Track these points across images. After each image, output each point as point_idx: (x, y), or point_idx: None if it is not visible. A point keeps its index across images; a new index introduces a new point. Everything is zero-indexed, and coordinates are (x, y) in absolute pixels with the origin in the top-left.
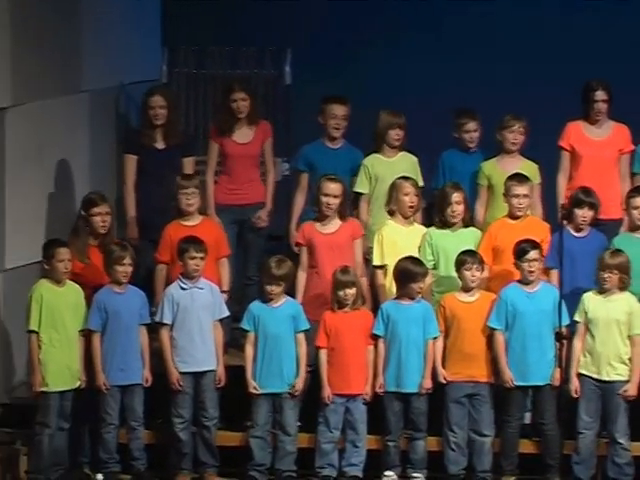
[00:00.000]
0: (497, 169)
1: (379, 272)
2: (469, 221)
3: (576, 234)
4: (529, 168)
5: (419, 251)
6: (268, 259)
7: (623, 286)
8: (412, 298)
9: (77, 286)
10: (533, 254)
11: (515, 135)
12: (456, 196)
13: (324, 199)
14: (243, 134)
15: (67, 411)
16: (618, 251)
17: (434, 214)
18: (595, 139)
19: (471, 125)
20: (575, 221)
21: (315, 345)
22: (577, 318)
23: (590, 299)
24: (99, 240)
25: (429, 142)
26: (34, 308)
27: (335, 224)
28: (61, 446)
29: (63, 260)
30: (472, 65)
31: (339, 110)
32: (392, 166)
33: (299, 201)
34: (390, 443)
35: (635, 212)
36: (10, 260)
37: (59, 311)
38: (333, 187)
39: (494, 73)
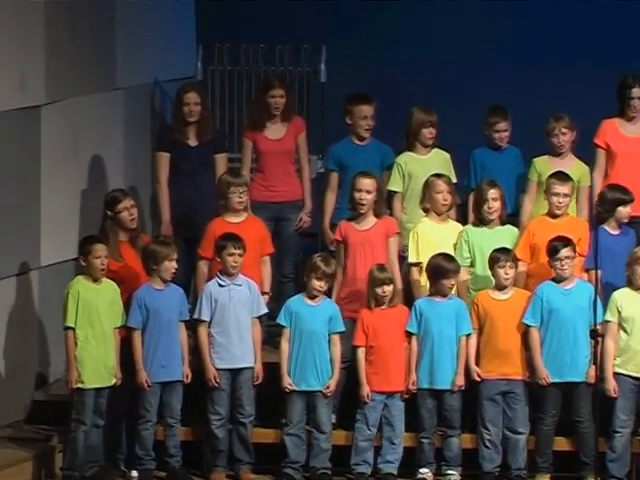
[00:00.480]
0: (548, 166)
1: (414, 269)
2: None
3: (613, 232)
4: (580, 169)
5: (454, 248)
6: (314, 256)
7: None
8: (444, 295)
9: (113, 283)
10: (565, 252)
11: (559, 138)
12: (492, 193)
13: (357, 194)
14: (276, 130)
15: (102, 408)
16: None
17: (468, 211)
18: (631, 136)
19: (502, 125)
20: (617, 218)
21: (353, 344)
22: (609, 317)
23: (623, 296)
24: (129, 235)
25: (461, 139)
26: (71, 305)
27: (370, 221)
28: (96, 443)
29: (100, 256)
30: (503, 63)
31: (367, 110)
32: (425, 164)
33: (330, 200)
34: (424, 440)
35: None
36: (45, 257)
37: (95, 308)
38: (366, 182)
39: (526, 72)
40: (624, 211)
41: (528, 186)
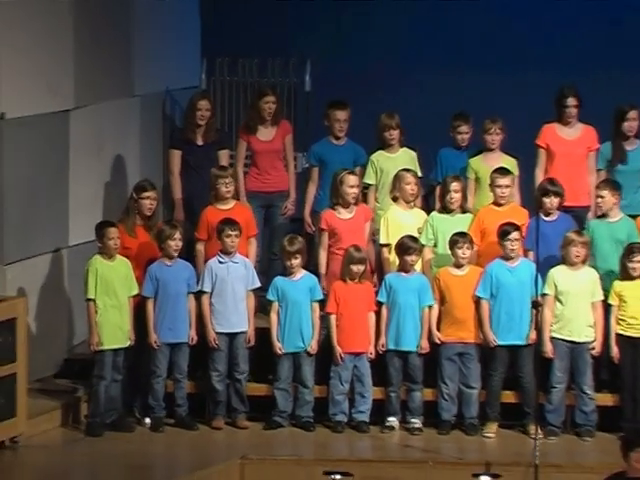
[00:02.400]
0: (482, 164)
1: (385, 249)
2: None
3: (547, 218)
4: (509, 163)
5: (418, 231)
6: (283, 240)
7: (586, 260)
8: (408, 270)
9: (126, 259)
10: (514, 235)
11: (493, 136)
12: (455, 185)
13: (350, 190)
14: (266, 133)
15: (120, 365)
16: (581, 231)
17: (434, 201)
18: (567, 138)
19: (464, 127)
20: (544, 207)
21: (325, 311)
22: (547, 290)
23: (558, 273)
24: (144, 221)
25: (428, 139)
26: (90, 279)
27: (352, 209)
28: (115, 395)
29: (113, 238)
30: (467, 75)
31: (341, 115)
32: (395, 160)
33: (311, 191)
34: (392, 394)
35: (600, 202)
36: (73, 238)
37: (111, 281)
38: (354, 179)
39: (484, 82)
40: (546, 201)
41: (467, 183)
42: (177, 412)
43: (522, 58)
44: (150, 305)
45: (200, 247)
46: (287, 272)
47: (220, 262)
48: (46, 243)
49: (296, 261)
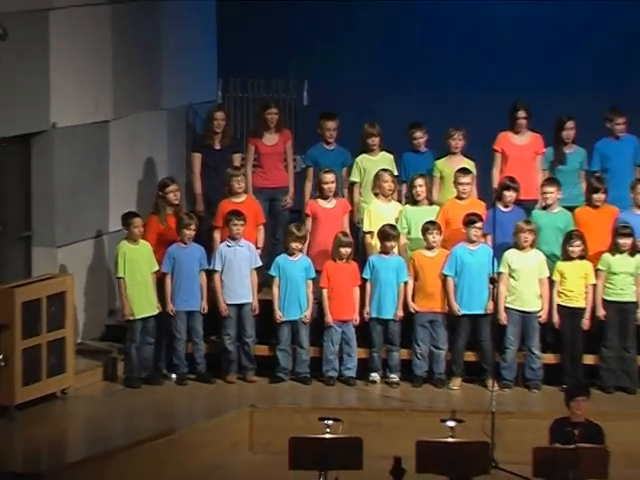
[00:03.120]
0: (447, 165)
1: (368, 235)
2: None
3: (504, 209)
4: (468, 164)
5: (396, 221)
6: (290, 226)
7: (534, 244)
8: (387, 253)
9: (147, 243)
10: (479, 224)
11: (456, 142)
12: (419, 182)
13: (325, 186)
14: (270, 138)
15: (149, 331)
16: (529, 220)
17: (405, 196)
18: (518, 144)
19: (418, 134)
20: (504, 200)
21: (319, 286)
22: (501, 269)
23: (511, 255)
24: (173, 209)
25: (405, 145)
26: (120, 261)
27: (332, 202)
28: (148, 355)
29: (137, 226)
30: (436, 92)
31: (331, 124)
32: (375, 162)
33: (308, 187)
34: (374, 354)
35: (546, 196)
36: (112, 225)
37: (136, 261)
38: (329, 177)
39: (447, 98)
40: (507, 194)
41: (434, 181)
42: (197, 369)
43: (481, 78)
44: (168, 280)
45: (217, 233)
46: (288, 253)
47: (228, 246)
48: (89, 230)
49: (300, 245)
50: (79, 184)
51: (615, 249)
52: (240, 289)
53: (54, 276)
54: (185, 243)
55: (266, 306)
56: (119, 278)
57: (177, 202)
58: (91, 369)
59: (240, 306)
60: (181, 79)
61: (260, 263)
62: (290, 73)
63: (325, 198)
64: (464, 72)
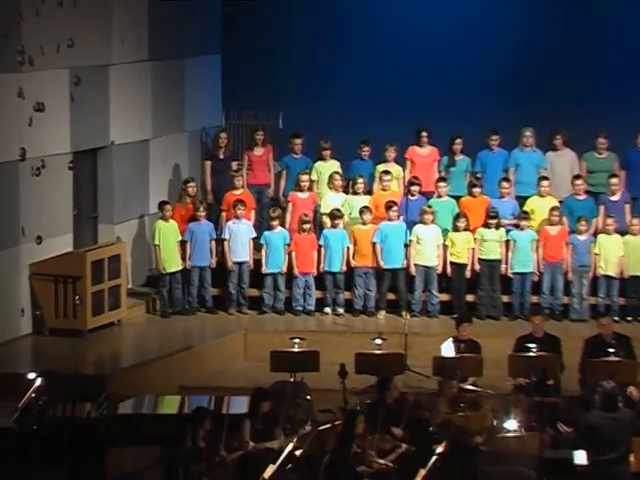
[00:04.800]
0: (381, 169)
1: (324, 216)
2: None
3: (412, 198)
4: (396, 169)
5: (342, 206)
6: (270, 209)
7: (433, 221)
8: (335, 227)
9: (174, 222)
10: (395, 207)
11: (389, 153)
12: (359, 180)
13: (301, 183)
14: (258, 151)
15: (177, 279)
16: (430, 205)
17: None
18: (422, 154)
19: (365, 148)
20: (412, 192)
21: (289, 250)
22: (412, 237)
23: (418, 228)
24: (191, 199)
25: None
26: (156, 234)
27: (306, 194)
28: (179, 296)
29: (167, 210)
30: (372, 120)
31: (298, 141)
32: (328, 167)
33: (282, 183)
34: (327, 294)
35: (439, 189)
36: (151, 210)
37: (167, 234)
38: (304, 177)
39: (382, 121)
40: (414, 189)
41: (375, 179)
42: (206, 304)
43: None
44: (188, 245)
45: (224, 214)
46: (270, 228)
47: (233, 223)
48: (136, 212)
49: (276, 222)
50: (129, 182)
51: (486, 225)
52: (241, 252)
53: (112, 243)
54: (199, 221)
55: (256, 263)
56: (155, 245)
57: (194, 194)
58: (137, 305)
59: (240, 263)
60: (197, 111)
61: (255, 235)
62: (270, 107)
63: (301, 191)
64: (393, 103)
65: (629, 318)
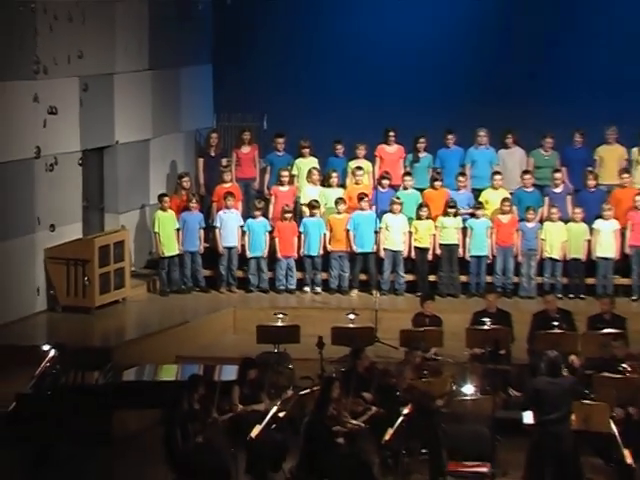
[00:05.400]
0: (353, 165)
1: (303, 206)
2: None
3: (382, 190)
4: (367, 164)
5: (319, 197)
6: (254, 201)
7: (400, 211)
8: (313, 216)
9: (172, 212)
10: (366, 199)
11: (360, 150)
12: (334, 174)
13: (282, 178)
14: (245, 149)
15: (175, 262)
16: (398, 197)
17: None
18: (390, 152)
19: (339, 146)
20: (382, 185)
21: (272, 235)
22: (381, 225)
23: (387, 217)
24: (186, 192)
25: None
26: (155, 222)
27: (287, 187)
28: (176, 277)
29: (166, 202)
30: (345, 120)
31: (280, 140)
32: (307, 163)
33: (266, 178)
34: (306, 275)
35: (405, 183)
36: (151, 201)
37: (165, 222)
38: (285, 172)
39: (353, 122)
40: (383, 182)
41: (349, 173)
42: (199, 284)
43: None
44: (181, 233)
45: (214, 205)
46: (253, 216)
47: (224, 213)
48: (138, 203)
49: (259, 212)
50: (132, 177)
51: (446, 214)
52: (231, 238)
53: (117, 231)
54: (191, 211)
55: (244, 248)
56: (155, 232)
57: (188, 187)
58: (139, 285)
59: (230, 248)
60: (191, 113)
61: (242, 223)
62: (256, 110)
63: (282, 184)
64: (364, 106)
65: (571, 295)
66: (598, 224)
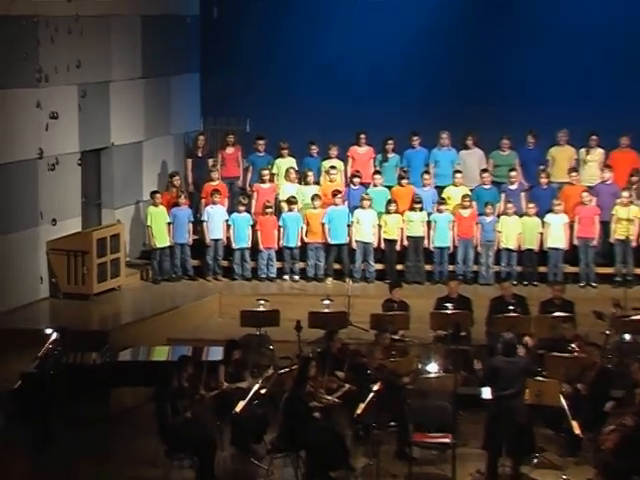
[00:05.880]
0: (327, 164)
1: (282, 202)
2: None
3: (354, 188)
4: (339, 164)
5: (296, 194)
6: (239, 197)
7: (370, 206)
8: (292, 211)
9: (163, 207)
10: (340, 195)
11: (332, 151)
12: (309, 174)
13: (264, 177)
14: (230, 150)
15: (166, 253)
16: (367, 193)
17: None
18: (361, 153)
19: (314, 147)
20: (353, 182)
21: (255, 228)
22: (353, 219)
23: (358, 212)
24: (176, 189)
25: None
26: (148, 217)
27: (268, 185)
28: (168, 267)
29: (157, 198)
30: (319, 124)
31: (261, 142)
32: (286, 163)
33: (248, 176)
34: (286, 264)
35: (375, 180)
36: (144, 197)
37: (157, 217)
38: (265, 172)
39: (324, 128)
40: (355, 180)
41: (323, 172)
42: (188, 273)
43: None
44: (172, 226)
45: (203, 201)
46: (238, 211)
47: (211, 208)
48: (132, 199)
49: (243, 207)
50: (127, 175)
51: (412, 209)
52: (217, 231)
53: (113, 225)
54: (180, 207)
55: (229, 240)
56: (147, 226)
57: (178, 185)
58: (133, 274)
59: (216, 240)
60: (181, 118)
61: (227, 217)
62: (239, 115)
63: (263, 182)
64: (337, 111)
65: (525, 282)
66: (549, 218)
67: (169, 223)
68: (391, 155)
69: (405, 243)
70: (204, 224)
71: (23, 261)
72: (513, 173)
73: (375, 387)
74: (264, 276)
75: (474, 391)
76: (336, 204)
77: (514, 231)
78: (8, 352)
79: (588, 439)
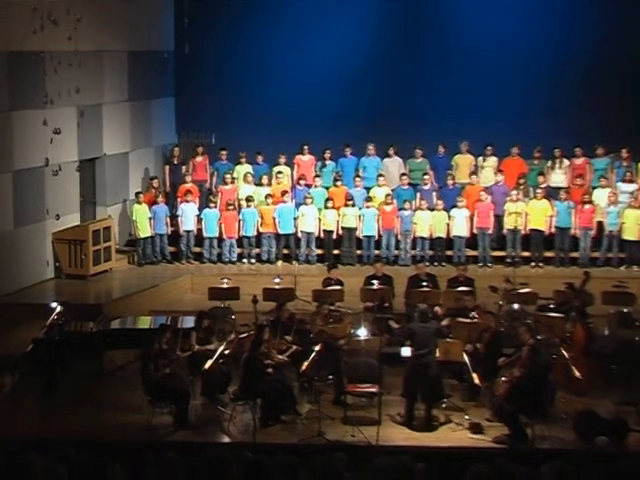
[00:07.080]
0: (274, 170)
1: (242, 200)
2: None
3: (299, 188)
4: (285, 169)
5: (253, 194)
6: (208, 196)
7: (312, 203)
8: (249, 207)
9: (145, 205)
10: (287, 195)
11: (281, 159)
12: (265, 177)
13: (226, 179)
14: (199, 159)
15: (148, 242)
16: (309, 193)
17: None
18: (304, 160)
19: (282, 158)
20: (299, 184)
21: (220, 222)
22: (298, 214)
23: (303, 208)
24: (155, 190)
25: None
26: (133, 213)
27: (230, 186)
28: (150, 252)
29: (141, 197)
30: (280, 134)
31: (224, 152)
32: (244, 169)
33: (212, 180)
34: (245, 251)
35: (315, 182)
36: (130, 196)
37: (140, 212)
38: (228, 176)
39: (286, 138)
40: (301, 182)
41: (273, 175)
42: (166, 258)
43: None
44: (152, 220)
45: (177, 200)
46: (210, 207)
47: (185, 205)
48: (120, 198)
49: (212, 204)
50: (116, 180)
51: (346, 205)
52: (189, 224)
53: (105, 219)
54: (159, 204)
55: (199, 231)
56: (133, 220)
57: (157, 186)
58: (122, 259)
59: (188, 231)
60: (160, 133)
61: (198, 213)
62: (206, 130)
63: (226, 184)
64: (284, 126)
65: (435, 264)
66: (454, 212)
67: (150, 217)
68: (328, 162)
69: (340, 233)
70: (179, 218)
71: (32, 249)
72: (426, 176)
73: (317, 348)
74: (227, 260)
75: (395, 350)
76: (284, 202)
77: (427, 223)
78: (21, 322)
79: (485, 387)
